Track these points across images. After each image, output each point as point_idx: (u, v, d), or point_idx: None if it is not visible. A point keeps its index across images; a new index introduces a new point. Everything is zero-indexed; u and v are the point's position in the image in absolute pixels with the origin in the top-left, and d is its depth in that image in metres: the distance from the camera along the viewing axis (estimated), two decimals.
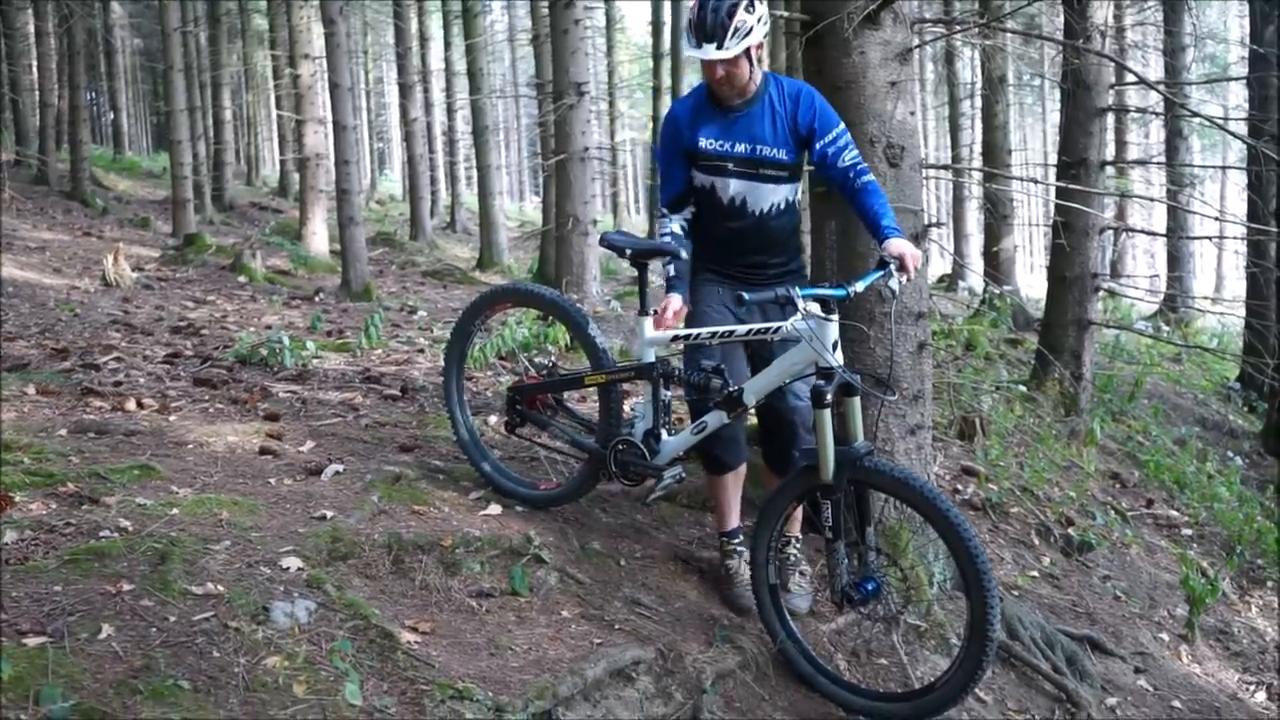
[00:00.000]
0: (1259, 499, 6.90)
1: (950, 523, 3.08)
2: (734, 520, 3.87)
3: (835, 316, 3.17)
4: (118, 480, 3.56)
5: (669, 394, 3.70)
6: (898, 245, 3.31)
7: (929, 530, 4.25)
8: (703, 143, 3.60)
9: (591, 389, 3.93)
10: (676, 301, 3.62)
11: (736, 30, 3.34)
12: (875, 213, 3.46)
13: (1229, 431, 8.65)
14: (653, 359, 3.63)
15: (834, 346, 3.17)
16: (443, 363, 4.40)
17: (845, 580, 3.28)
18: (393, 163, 46.33)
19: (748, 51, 3.45)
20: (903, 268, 3.27)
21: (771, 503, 3.48)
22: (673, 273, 3.65)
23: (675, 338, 3.59)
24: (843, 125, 3.59)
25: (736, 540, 3.86)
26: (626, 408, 4.04)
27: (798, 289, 3.11)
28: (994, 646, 3.11)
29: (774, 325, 3.34)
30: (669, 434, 3.68)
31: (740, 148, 3.58)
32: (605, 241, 3.74)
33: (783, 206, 3.68)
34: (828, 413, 3.16)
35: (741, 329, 3.43)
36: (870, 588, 3.28)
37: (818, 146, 3.56)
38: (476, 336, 4.27)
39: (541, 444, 4.34)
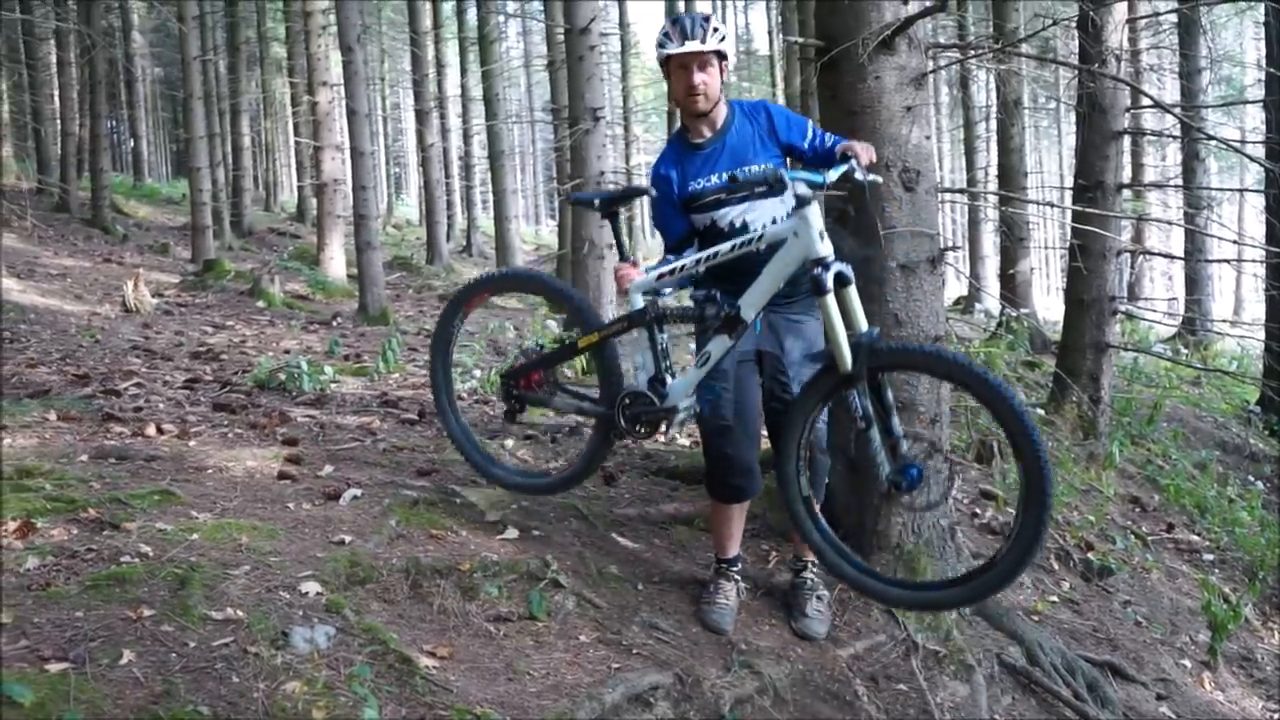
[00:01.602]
0: None
1: (987, 384, 3.05)
2: (734, 549, 3.87)
3: (816, 205, 3.23)
4: (138, 505, 3.58)
5: (664, 337, 3.67)
6: (846, 144, 3.47)
7: (947, 555, 4.25)
8: (694, 186, 3.65)
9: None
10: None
11: (716, 30, 3.51)
12: (829, 144, 3.61)
13: (1250, 455, 8.58)
14: (641, 305, 3.62)
15: (820, 235, 3.20)
16: (429, 362, 4.35)
17: (888, 470, 3.22)
18: (409, 188, 46.60)
19: (721, 63, 3.57)
20: (860, 160, 3.38)
21: (796, 411, 3.43)
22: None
23: (660, 275, 3.58)
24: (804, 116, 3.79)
25: (735, 568, 3.87)
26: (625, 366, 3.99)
27: (785, 170, 3.22)
28: (1050, 511, 3.05)
29: (758, 233, 3.41)
30: (672, 377, 3.66)
31: (726, 175, 3.58)
32: (573, 200, 3.89)
33: (782, 218, 3.69)
34: (831, 299, 3.18)
35: (725, 245, 3.44)
36: (915, 474, 3.22)
37: (806, 145, 3.66)
38: (458, 335, 4.24)
39: (546, 424, 4.32)
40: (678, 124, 3.93)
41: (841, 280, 3.21)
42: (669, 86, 3.73)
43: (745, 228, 3.62)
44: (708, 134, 3.67)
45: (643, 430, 3.70)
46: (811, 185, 3.23)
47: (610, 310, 10.97)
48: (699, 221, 3.68)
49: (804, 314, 3.75)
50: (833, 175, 3.33)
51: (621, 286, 3.64)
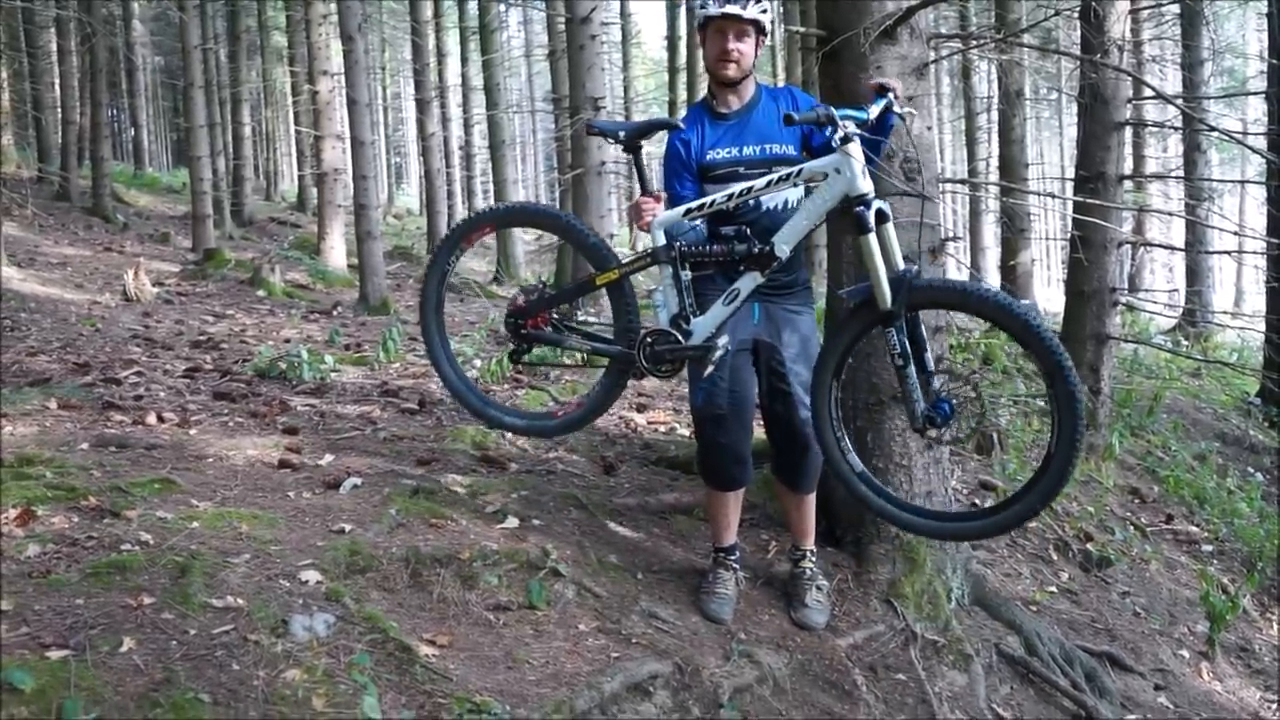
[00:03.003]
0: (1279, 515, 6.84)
1: (1026, 325, 3.08)
2: (731, 537, 3.88)
3: (859, 143, 3.19)
4: (138, 494, 3.59)
5: (688, 275, 3.55)
6: (880, 80, 3.48)
7: (945, 545, 4.25)
8: (712, 155, 3.61)
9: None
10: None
11: (759, 1, 3.46)
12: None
13: (1249, 447, 8.59)
14: (664, 241, 3.51)
15: (863, 172, 3.18)
16: (419, 300, 4.11)
17: (923, 406, 3.23)
18: (410, 177, 46.56)
19: (758, 36, 3.54)
20: (897, 93, 3.40)
21: (831, 345, 3.40)
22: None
23: (688, 210, 3.49)
24: None
25: (733, 557, 3.87)
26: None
27: (833, 109, 3.18)
28: (1080, 445, 3.09)
29: (797, 168, 3.34)
30: (695, 314, 3.55)
31: (750, 150, 3.60)
32: (596, 128, 3.71)
33: (793, 204, 3.67)
34: (873, 238, 3.15)
35: (761, 181, 3.39)
36: (946, 409, 3.24)
37: (821, 134, 3.59)
38: (453, 271, 4.03)
39: (554, 365, 4.20)
40: (680, 113, 3.90)
41: (881, 217, 3.20)
42: (703, 51, 3.67)
43: (758, 205, 3.60)
44: (734, 105, 3.65)
45: (666, 369, 3.60)
46: (858, 123, 3.22)
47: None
48: (710, 193, 3.60)
49: (801, 306, 3.76)
50: (875, 110, 3.33)
51: (643, 220, 3.52)
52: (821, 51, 4.16)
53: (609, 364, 3.75)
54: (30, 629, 2.55)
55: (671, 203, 3.62)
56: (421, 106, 23.76)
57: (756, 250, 3.37)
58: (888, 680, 3.72)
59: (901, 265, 3.22)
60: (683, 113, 3.95)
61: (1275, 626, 5.53)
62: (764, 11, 3.50)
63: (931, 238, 4.18)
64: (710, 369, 3.51)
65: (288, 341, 8.39)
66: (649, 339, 3.57)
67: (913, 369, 3.24)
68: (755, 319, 3.68)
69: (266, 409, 5.31)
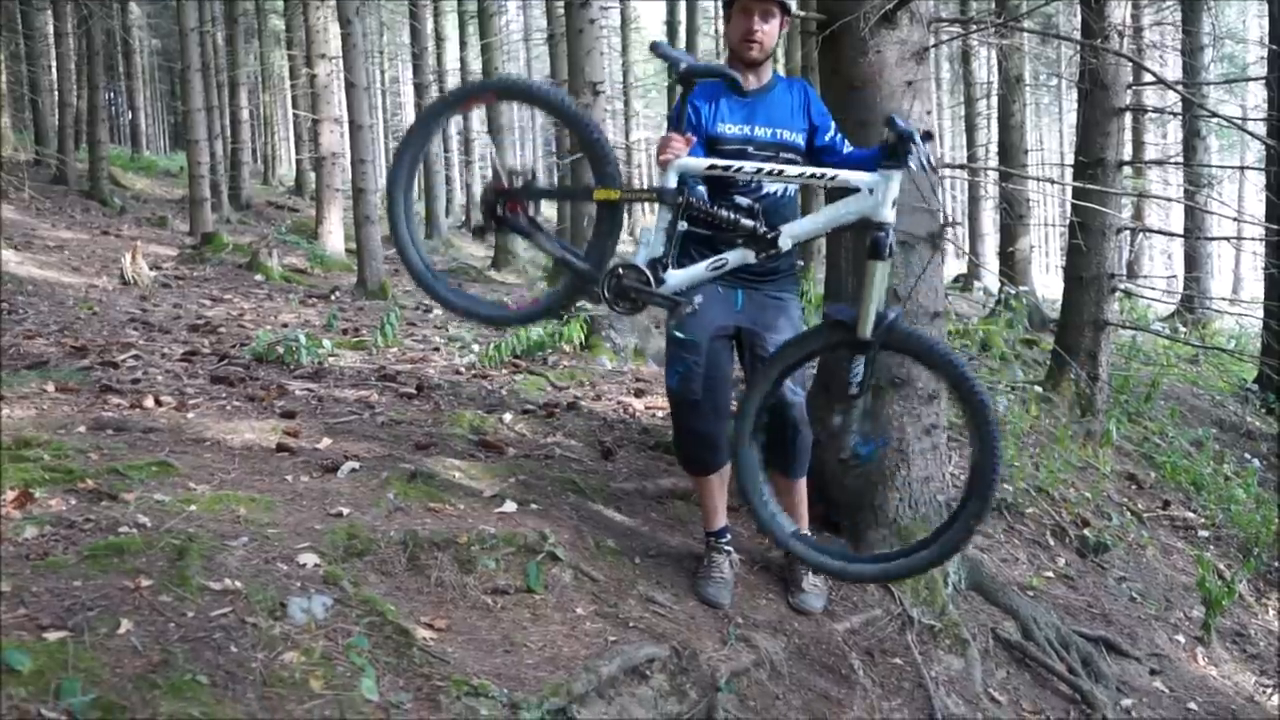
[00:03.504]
0: (1276, 501, 6.85)
1: (968, 385, 3.11)
2: (721, 520, 3.88)
3: (901, 175, 3.13)
4: (136, 477, 3.58)
5: (684, 226, 3.43)
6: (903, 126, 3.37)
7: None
8: (723, 128, 3.57)
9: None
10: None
11: None
12: (865, 151, 3.56)
13: (1246, 433, 8.60)
14: (675, 185, 3.33)
15: (892, 204, 3.13)
16: (391, 165, 3.82)
17: (857, 439, 3.24)
18: None
19: (783, 18, 3.52)
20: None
21: (787, 350, 3.38)
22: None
23: (712, 165, 3.35)
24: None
25: (724, 540, 3.87)
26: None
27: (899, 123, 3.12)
28: (993, 500, 3.19)
29: (833, 172, 3.27)
30: (674, 266, 3.42)
31: (762, 132, 3.58)
32: (659, 51, 3.47)
33: (792, 193, 3.69)
34: (883, 266, 3.11)
35: (794, 170, 3.33)
36: (870, 450, 3.27)
37: (826, 138, 3.64)
38: (436, 137, 3.84)
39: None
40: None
41: (890, 251, 3.17)
42: (726, 28, 3.64)
43: (759, 188, 3.59)
44: (752, 84, 3.62)
45: (624, 305, 3.41)
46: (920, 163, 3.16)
47: None
48: (716, 167, 3.49)
49: (785, 292, 3.76)
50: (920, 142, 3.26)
51: (664, 155, 3.34)
52: (821, 36, 4.15)
53: (569, 278, 3.54)
54: (28, 610, 2.55)
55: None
56: (420, 91, 23.73)
57: (761, 232, 3.30)
58: (884, 664, 3.73)
59: (884, 304, 3.20)
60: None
61: (1270, 612, 5.55)
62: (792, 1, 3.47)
63: (930, 223, 4.18)
64: (675, 320, 3.45)
65: (285, 325, 8.38)
66: (620, 270, 3.40)
67: (862, 402, 3.25)
68: (738, 305, 3.67)
69: (264, 393, 5.31)
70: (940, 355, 3.21)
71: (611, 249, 3.47)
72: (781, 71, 3.69)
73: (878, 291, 3.13)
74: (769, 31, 3.53)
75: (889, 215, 3.12)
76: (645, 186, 3.44)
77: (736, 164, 3.33)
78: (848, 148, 3.69)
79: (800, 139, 3.63)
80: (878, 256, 3.11)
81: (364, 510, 3.58)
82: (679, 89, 3.40)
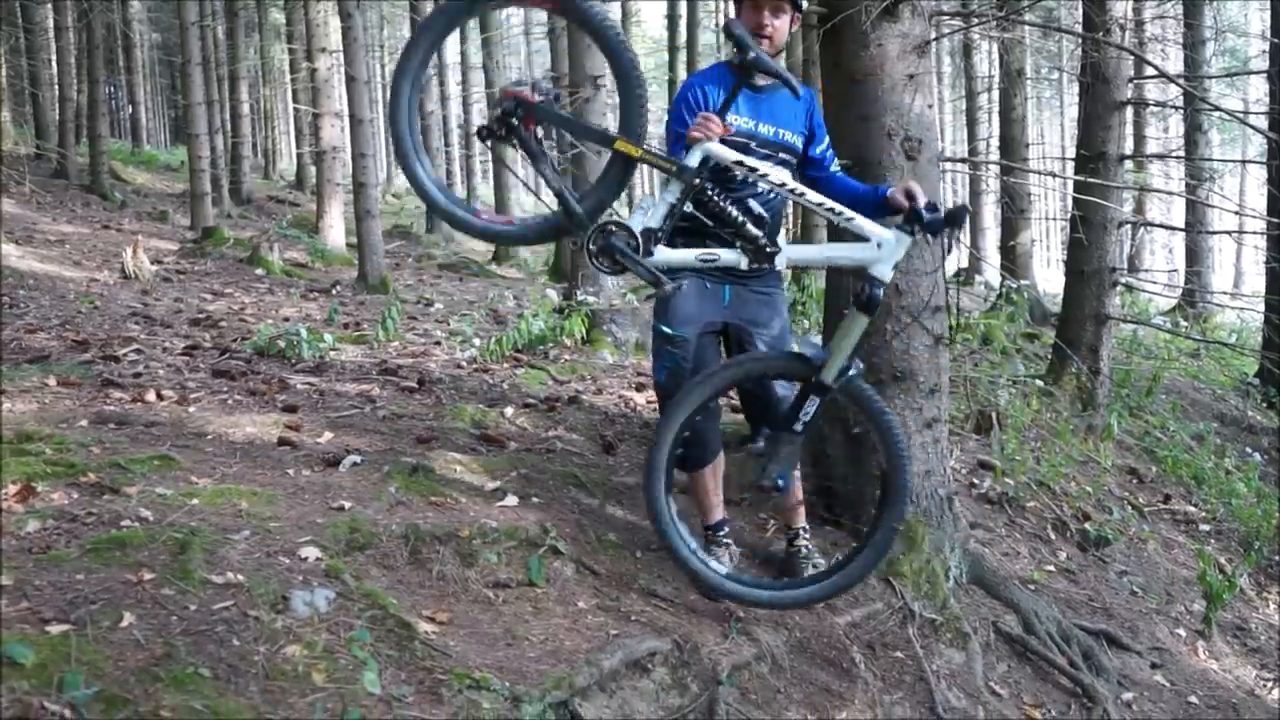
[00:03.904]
0: (1277, 495, 6.85)
1: (892, 445, 3.34)
2: (718, 513, 3.88)
3: (913, 241, 3.18)
4: (138, 470, 3.59)
5: (689, 208, 3.37)
6: (903, 187, 3.37)
7: (945, 525, 4.26)
8: (731, 119, 3.49)
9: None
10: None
11: None
12: (855, 185, 3.59)
13: (1247, 427, 8.60)
14: (695, 165, 3.28)
15: (896, 266, 3.18)
16: (398, 63, 3.61)
17: (778, 470, 3.37)
18: None
19: (793, 14, 3.50)
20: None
21: (749, 364, 3.48)
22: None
23: (736, 161, 3.31)
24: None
25: (722, 533, 3.87)
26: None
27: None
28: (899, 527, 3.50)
29: (851, 214, 3.25)
30: (666, 245, 3.37)
31: (765, 129, 3.56)
32: (734, 31, 3.35)
33: (783, 196, 3.67)
34: (864, 321, 3.16)
35: (815, 197, 3.27)
36: (786, 483, 3.43)
37: (818, 150, 3.64)
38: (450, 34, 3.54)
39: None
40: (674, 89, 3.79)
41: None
42: (738, 12, 3.57)
43: (756, 184, 3.53)
44: (760, 80, 3.56)
45: (603, 263, 3.35)
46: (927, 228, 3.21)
47: (611, 279, 10.91)
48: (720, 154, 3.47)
49: (771, 287, 3.77)
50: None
51: (696, 134, 3.27)
52: (822, 29, 4.14)
53: (560, 215, 3.41)
54: (30, 604, 2.55)
55: (673, 143, 3.49)
56: None
57: (762, 242, 3.31)
58: (886, 658, 3.73)
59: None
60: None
61: (1271, 606, 5.55)
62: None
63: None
64: (666, 290, 3.37)
65: (287, 320, 8.39)
66: (612, 228, 3.32)
67: (800, 441, 3.36)
68: (725, 301, 3.66)
69: (266, 387, 5.31)
70: (881, 419, 3.37)
71: (609, 202, 3.40)
72: (783, 65, 3.64)
73: (853, 341, 3.20)
74: (780, 27, 3.49)
75: (887, 274, 3.16)
76: (668, 155, 3.39)
77: (762, 168, 3.30)
78: (835, 166, 3.69)
79: (799, 142, 3.62)
80: (866, 310, 3.16)
81: (366, 504, 3.58)
82: (736, 76, 3.33)
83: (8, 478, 3.32)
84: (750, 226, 3.31)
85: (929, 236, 3.23)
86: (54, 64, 21.27)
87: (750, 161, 3.31)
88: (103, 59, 19.36)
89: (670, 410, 3.44)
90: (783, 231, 3.94)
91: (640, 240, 3.30)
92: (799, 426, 3.29)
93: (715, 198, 3.30)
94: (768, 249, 3.28)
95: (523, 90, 3.42)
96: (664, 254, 3.34)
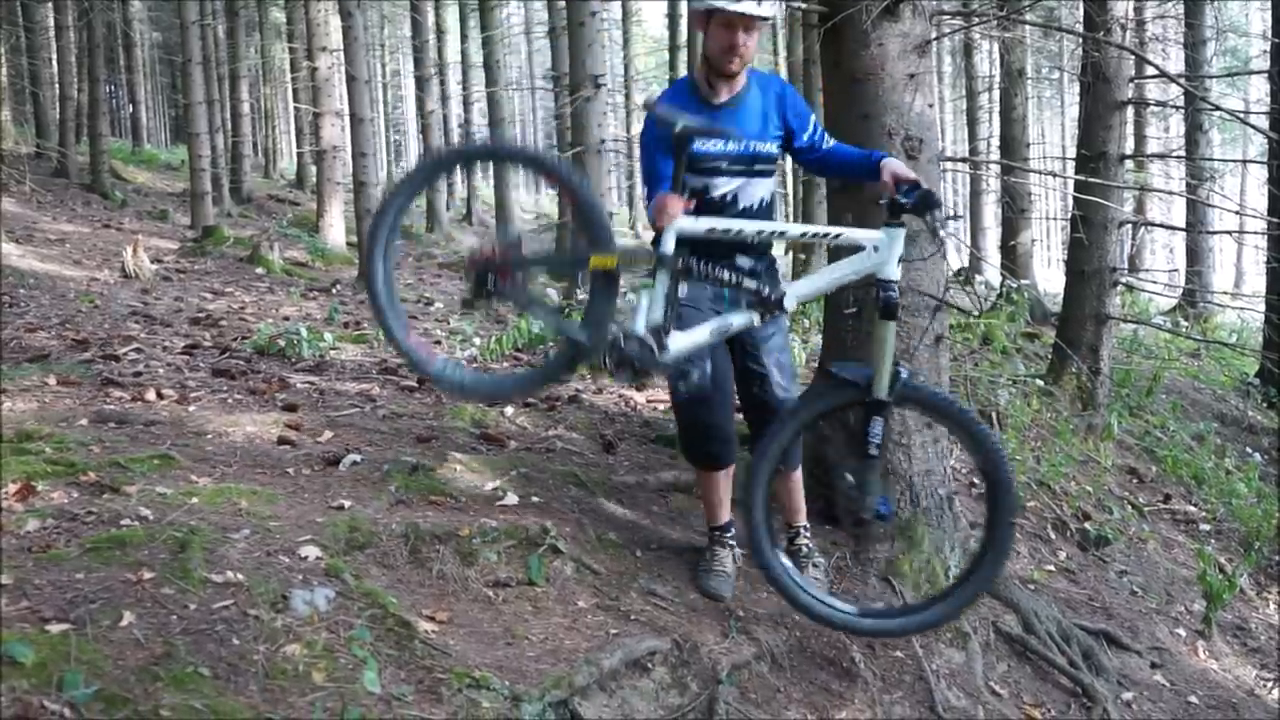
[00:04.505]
0: (1277, 495, 6.85)
1: (985, 440, 3.19)
2: (725, 515, 3.86)
3: (905, 231, 3.14)
4: (138, 469, 3.59)
5: (684, 289, 3.37)
6: (899, 168, 3.35)
7: (945, 523, 4.26)
8: (699, 145, 3.44)
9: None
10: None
11: None
12: (849, 154, 3.54)
13: (1248, 427, 8.59)
14: (673, 249, 3.26)
15: (899, 261, 3.13)
16: (372, 224, 3.67)
17: (875, 499, 3.23)
18: (409, 155, 46.43)
19: (760, 25, 3.41)
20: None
21: (795, 414, 3.36)
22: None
23: (711, 229, 3.28)
24: (810, 109, 3.62)
25: (729, 534, 3.86)
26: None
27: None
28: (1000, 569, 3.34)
29: (837, 230, 3.25)
30: (675, 329, 3.34)
31: (733, 145, 3.50)
32: (654, 109, 3.37)
33: (768, 200, 3.66)
34: (893, 326, 3.11)
35: (796, 229, 3.31)
36: (888, 509, 3.28)
37: (805, 138, 3.56)
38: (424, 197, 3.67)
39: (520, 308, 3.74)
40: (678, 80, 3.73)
41: (899, 308, 3.18)
42: (703, 39, 3.44)
43: (735, 201, 3.56)
44: (724, 95, 3.51)
45: (628, 376, 3.34)
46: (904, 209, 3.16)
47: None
48: (692, 182, 3.48)
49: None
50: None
51: (661, 219, 3.24)
52: (823, 28, 4.14)
53: (564, 345, 3.48)
54: (30, 603, 2.56)
55: (655, 181, 3.45)
56: (421, 84, 23.68)
57: (765, 293, 3.26)
58: (885, 658, 3.73)
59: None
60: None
61: (1271, 605, 5.55)
62: (772, 7, 3.36)
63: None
64: (688, 387, 3.40)
65: (287, 319, 8.39)
66: (620, 340, 3.31)
67: (879, 463, 3.23)
68: (728, 305, 3.66)
69: (266, 386, 5.31)
70: (957, 413, 3.25)
71: (609, 315, 3.38)
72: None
73: (887, 350, 3.13)
74: (750, 45, 3.40)
75: (895, 273, 3.12)
76: (639, 246, 3.37)
77: (736, 226, 3.31)
78: (829, 142, 3.61)
79: (774, 146, 3.56)
80: (889, 316, 3.11)
81: (365, 503, 3.58)
82: (674, 146, 3.28)
83: (8, 477, 3.33)
84: (748, 281, 3.29)
85: (921, 219, 3.18)
86: (54, 63, 21.26)
87: (722, 225, 3.30)
88: (103, 58, 19.37)
89: (750, 481, 3.36)
90: (782, 209, 3.92)
91: (651, 340, 3.27)
92: (873, 450, 3.19)
93: (703, 269, 3.28)
94: (771, 296, 3.25)
95: (484, 253, 3.48)
96: (678, 343, 3.31)
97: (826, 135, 3.62)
